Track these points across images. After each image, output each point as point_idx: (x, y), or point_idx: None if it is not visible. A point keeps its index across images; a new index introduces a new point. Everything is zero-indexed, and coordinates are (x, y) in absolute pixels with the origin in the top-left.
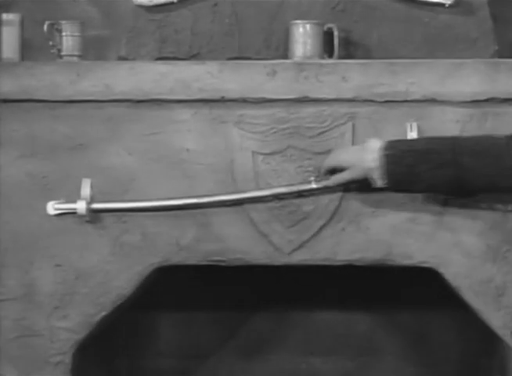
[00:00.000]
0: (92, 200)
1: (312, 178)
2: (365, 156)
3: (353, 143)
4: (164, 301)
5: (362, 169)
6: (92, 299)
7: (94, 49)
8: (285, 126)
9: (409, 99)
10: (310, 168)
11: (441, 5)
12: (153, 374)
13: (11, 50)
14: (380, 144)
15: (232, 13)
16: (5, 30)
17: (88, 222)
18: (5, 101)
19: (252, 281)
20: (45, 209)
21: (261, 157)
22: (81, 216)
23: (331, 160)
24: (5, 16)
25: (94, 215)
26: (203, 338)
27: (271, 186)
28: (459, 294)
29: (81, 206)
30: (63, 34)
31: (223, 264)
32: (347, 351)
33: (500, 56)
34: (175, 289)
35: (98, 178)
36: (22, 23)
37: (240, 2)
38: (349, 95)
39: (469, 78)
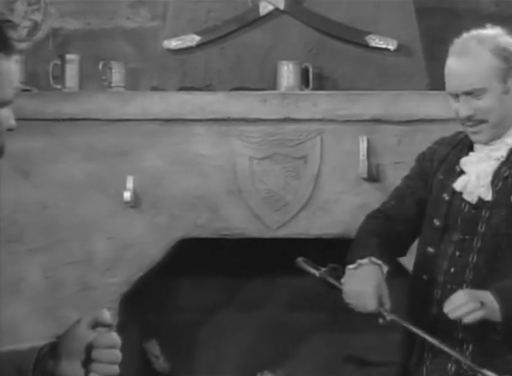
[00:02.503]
0: (134, 191)
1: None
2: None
3: (321, 151)
4: (182, 270)
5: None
6: (133, 263)
7: (130, 78)
8: (273, 138)
9: (361, 119)
10: (291, 168)
11: (388, 49)
12: (173, 325)
13: (72, 81)
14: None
15: (235, 54)
16: (68, 66)
17: (131, 207)
18: (70, 119)
19: (248, 254)
20: (99, 197)
21: (255, 161)
22: (127, 202)
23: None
24: (68, 56)
25: (135, 202)
26: (212, 298)
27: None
28: None
29: (126, 195)
30: (113, 70)
31: (228, 237)
32: (325, 307)
33: (432, 87)
34: (191, 261)
35: (138, 175)
36: (80, 61)
37: (241, 46)
38: (319, 117)
39: (405, 104)
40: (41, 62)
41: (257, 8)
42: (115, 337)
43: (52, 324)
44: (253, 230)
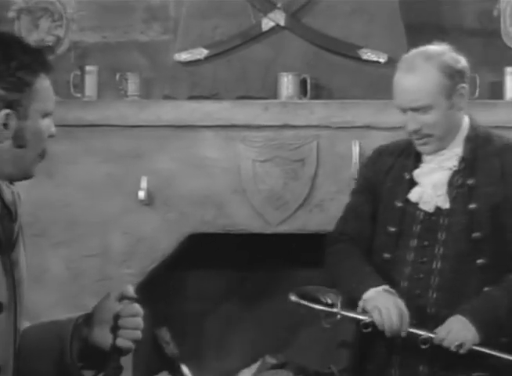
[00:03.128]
0: (148, 190)
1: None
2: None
3: (317, 154)
4: (191, 263)
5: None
6: (146, 256)
7: (144, 88)
8: (273, 143)
9: (354, 125)
10: (289, 170)
11: (379, 62)
12: (182, 314)
13: (91, 90)
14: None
15: (240, 66)
16: (87, 77)
17: (145, 204)
18: (90, 125)
19: (251, 248)
20: (116, 196)
21: (257, 163)
22: (141, 201)
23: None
24: (87, 67)
25: (149, 200)
26: (218, 289)
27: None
28: None
29: (140, 194)
30: (129, 81)
31: (232, 233)
32: None
33: None
34: (199, 255)
35: (151, 176)
36: (98, 72)
37: (245, 59)
38: (315, 123)
39: (393, 112)
40: (62, 72)
41: (259, 24)
42: (138, 307)
43: (73, 311)
44: (255, 226)
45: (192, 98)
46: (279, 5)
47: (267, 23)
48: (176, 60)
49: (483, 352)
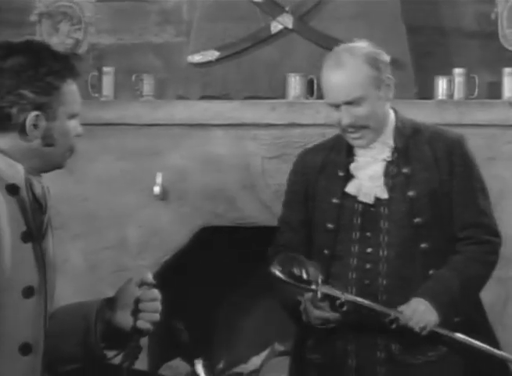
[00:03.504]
0: (162, 186)
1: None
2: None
3: None
4: (203, 254)
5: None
6: (160, 248)
7: (158, 88)
8: (281, 141)
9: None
10: None
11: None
12: (195, 302)
13: (108, 91)
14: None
15: (249, 67)
16: (105, 77)
17: (159, 199)
18: (107, 124)
19: (259, 240)
20: (132, 191)
21: (266, 160)
22: (156, 196)
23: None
24: (104, 68)
25: (163, 195)
26: (228, 278)
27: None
28: None
29: (155, 189)
30: (144, 82)
31: (242, 225)
32: None
33: (419, 96)
34: (211, 246)
35: (165, 172)
36: (115, 73)
37: (254, 60)
38: (321, 122)
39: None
40: (81, 73)
41: (268, 27)
42: (156, 292)
43: None
44: (264, 219)
45: (203, 98)
46: (287, 9)
47: (275, 26)
48: (189, 62)
49: (442, 334)
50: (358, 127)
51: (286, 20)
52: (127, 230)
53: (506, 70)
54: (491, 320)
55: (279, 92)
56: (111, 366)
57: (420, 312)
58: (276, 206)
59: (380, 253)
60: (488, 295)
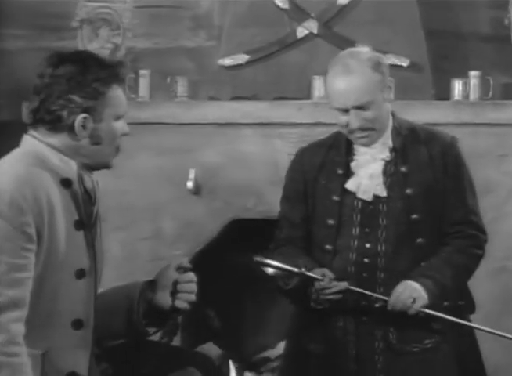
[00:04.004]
0: (195, 181)
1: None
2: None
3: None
4: (233, 245)
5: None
6: (193, 239)
7: (191, 89)
8: (306, 138)
9: None
10: None
11: (401, 66)
12: (225, 292)
13: (144, 92)
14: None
15: (277, 70)
16: (141, 80)
17: (192, 193)
18: (144, 123)
19: None
20: (167, 186)
21: (292, 157)
22: (189, 190)
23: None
24: (140, 71)
25: (196, 190)
26: (256, 269)
27: None
28: None
29: (189, 184)
30: (178, 84)
31: (270, 218)
32: None
33: (437, 97)
34: (240, 238)
35: (198, 168)
36: (151, 75)
37: (282, 63)
38: None
39: (414, 111)
40: (125, 79)
41: (294, 32)
42: (192, 275)
43: None
44: None
45: (234, 99)
46: (312, 15)
47: (301, 31)
48: (220, 65)
49: (432, 315)
50: (365, 129)
51: (311, 26)
52: (162, 222)
53: None
54: (502, 309)
55: (305, 93)
56: (151, 342)
57: (408, 290)
58: None
59: (378, 248)
60: (500, 285)
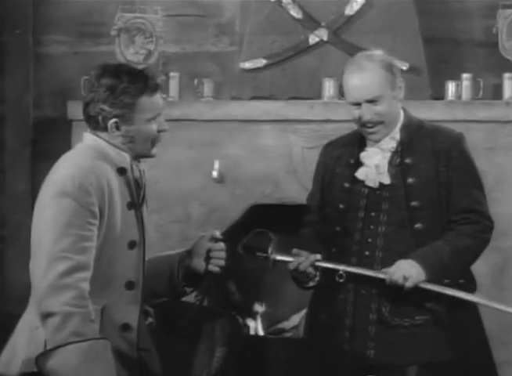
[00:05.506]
0: (220, 171)
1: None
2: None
3: None
4: (253, 228)
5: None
6: (218, 222)
7: (216, 90)
8: (318, 133)
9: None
10: None
11: (402, 69)
12: (245, 269)
13: (174, 92)
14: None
15: (292, 73)
16: (171, 81)
17: (217, 182)
18: (175, 120)
19: (300, 216)
20: (195, 175)
21: (306, 150)
22: (214, 179)
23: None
24: (171, 73)
25: (220, 179)
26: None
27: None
28: None
29: (214, 173)
30: (204, 85)
31: (286, 204)
32: None
33: (434, 98)
34: (260, 221)
35: (222, 160)
36: (179, 77)
37: (296, 67)
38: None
39: (413, 110)
40: (158, 88)
41: (307, 39)
42: (223, 245)
43: None
44: (303, 199)
45: (254, 98)
46: (323, 24)
47: (313, 39)
48: (241, 68)
49: (428, 289)
50: (375, 122)
51: (322, 34)
52: (191, 207)
53: (506, 74)
54: (490, 284)
55: (317, 94)
56: (187, 304)
57: (403, 267)
58: None
59: (379, 229)
60: (488, 263)
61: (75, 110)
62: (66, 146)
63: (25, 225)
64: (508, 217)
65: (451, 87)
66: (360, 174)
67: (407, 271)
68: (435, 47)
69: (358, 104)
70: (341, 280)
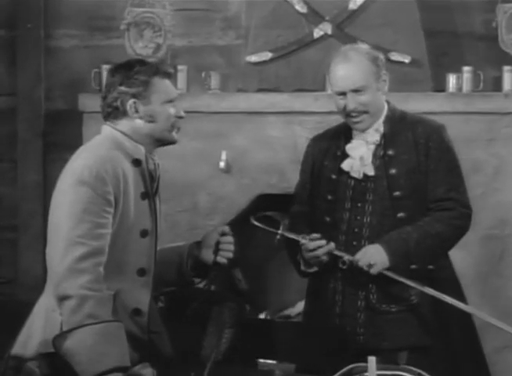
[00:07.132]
0: (227, 161)
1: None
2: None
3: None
4: (259, 216)
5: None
6: (225, 211)
7: (222, 82)
8: (322, 125)
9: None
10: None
11: (404, 62)
12: (251, 258)
13: (182, 85)
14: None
15: (297, 66)
16: (179, 74)
17: (224, 172)
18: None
19: None
20: (203, 165)
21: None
22: (221, 169)
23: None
24: (179, 66)
25: (227, 169)
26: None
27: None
28: None
29: (221, 164)
30: (211, 77)
31: (291, 193)
32: None
33: (435, 90)
34: (265, 210)
35: (229, 150)
36: (187, 70)
37: (301, 60)
38: None
39: (414, 102)
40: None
41: (312, 33)
42: (231, 238)
43: None
44: None
45: (259, 91)
46: (327, 18)
47: (318, 33)
48: (247, 61)
49: (391, 277)
50: (360, 112)
51: (326, 28)
52: (198, 197)
53: (506, 67)
54: (489, 271)
55: (321, 86)
56: (196, 289)
57: (368, 254)
58: None
59: (365, 219)
60: (487, 250)
61: (86, 102)
62: (77, 137)
63: (37, 214)
64: (507, 206)
65: (452, 79)
66: (345, 165)
67: (372, 258)
68: (436, 40)
69: (343, 94)
70: (344, 267)
